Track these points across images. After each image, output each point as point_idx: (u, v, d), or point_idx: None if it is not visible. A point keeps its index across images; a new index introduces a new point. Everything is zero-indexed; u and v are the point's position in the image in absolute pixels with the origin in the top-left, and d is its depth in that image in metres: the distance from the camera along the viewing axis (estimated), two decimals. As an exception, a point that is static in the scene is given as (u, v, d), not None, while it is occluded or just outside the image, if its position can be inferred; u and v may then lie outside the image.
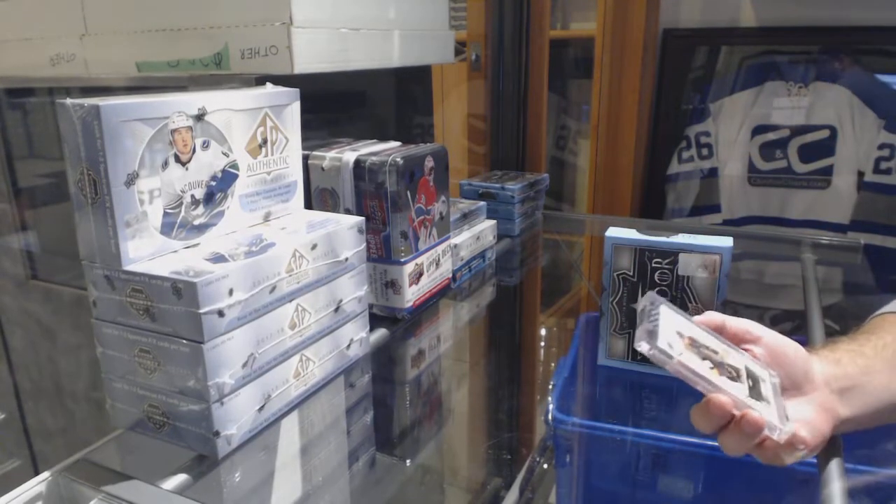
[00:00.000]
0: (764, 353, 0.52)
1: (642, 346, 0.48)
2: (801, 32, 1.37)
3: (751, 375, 0.50)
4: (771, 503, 0.74)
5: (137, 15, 0.75)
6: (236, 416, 0.53)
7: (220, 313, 0.50)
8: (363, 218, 0.67)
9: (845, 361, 0.54)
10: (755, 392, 0.48)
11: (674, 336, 0.50)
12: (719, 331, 0.53)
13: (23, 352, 1.24)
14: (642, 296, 0.75)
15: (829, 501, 0.49)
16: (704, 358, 0.49)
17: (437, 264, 0.84)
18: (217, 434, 0.51)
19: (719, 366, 0.49)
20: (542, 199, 1.28)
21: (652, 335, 0.48)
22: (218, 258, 0.53)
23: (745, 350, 0.53)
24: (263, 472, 0.66)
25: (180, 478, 0.51)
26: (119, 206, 0.50)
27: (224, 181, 0.59)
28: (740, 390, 0.48)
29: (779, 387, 0.50)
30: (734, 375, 0.49)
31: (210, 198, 0.58)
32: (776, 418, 0.47)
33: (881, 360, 0.54)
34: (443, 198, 0.84)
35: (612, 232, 0.76)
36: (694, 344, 0.50)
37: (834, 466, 0.52)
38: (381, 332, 0.76)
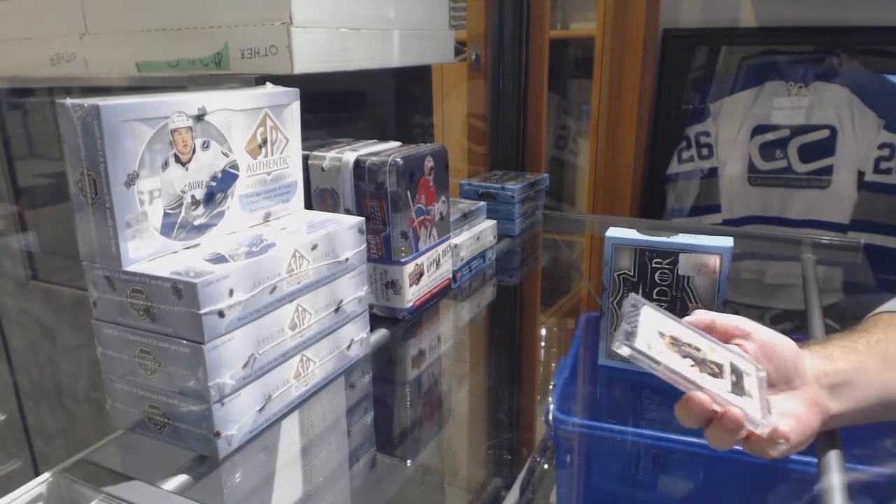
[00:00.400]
0: (755, 347, 0.52)
1: (622, 349, 0.48)
2: (801, 32, 1.37)
3: (735, 371, 0.50)
4: (770, 503, 0.74)
5: (137, 15, 0.75)
6: (237, 417, 0.53)
7: (221, 314, 0.50)
8: (363, 218, 0.67)
9: (837, 356, 0.54)
10: (738, 387, 0.48)
11: (654, 336, 0.50)
12: (709, 329, 0.53)
13: (23, 352, 1.24)
14: (643, 296, 0.75)
15: (829, 498, 0.49)
16: (686, 356, 0.49)
17: (438, 264, 0.84)
18: (217, 435, 0.51)
19: (701, 363, 0.49)
20: (542, 199, 1.28)
21: (630, 336, 0.48)
22: (218, 259, 0.53)
23: (737, 345, 0.53)
24: (264, 473, 0.66)
25: (181, 478, 0.51)
26: (119, 206, 0.49)
27: (224, 181, 0.59)
28: (721, 386, 0.48)
29: (765, 381, 0.50)
30: (716, 372, 0.49)
31: (210, 198, 0.58)
32: (758, 413, 0.47)
33: (873, 356, 0.54)
34: (443, 198, 0.84)
35: (613, 232, 0.76)
36: (676, 343, 0.50)
37: (834, 465, 0.52)
38: (381, 333, 0.76)
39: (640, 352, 0.48)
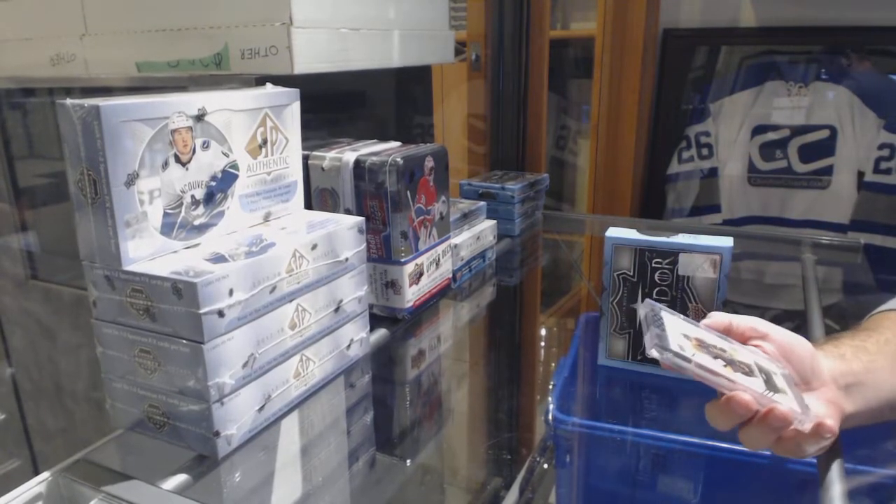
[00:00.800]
0: (773, 348, 0.52)
1: (654, 353, 0.47)
2: (801, 32, 1.37)
3: (762, 370, 0.50)
4: (770, 503, 0.74)
5: (137, 15, 0.75)
6: (236, 417, 0.53)
7: (221, 313, 0.50)
8: (363, 218, 0.67)
9: (849, 357, 0.54)
10: (771, 385, 0.48)
11: (682, 339, 0.49)
12: (726, 331, 0.53)
13: (23, 352, 1.24)
14: (642, 296, 0.75)
15: (829, 499, 0.49)
16: (716, 357, 0.49)
17: (438, 264, 0.84)
18: (217, 434, 0.51)
19: (731, 363, 0.49)
20: (542, 199, 1.28)
21: (662, 339, 0.48)
22: (218, 258, 0.53)
23: (755, 346, 0.52)
24: (263, 473, 0.66)
25: (180, 478, 0.51)
26: (119, 206, 0.50)
27: (224, 181, 0.59)
28: (757, 384, 0.48)
29: (791, 379, 0.50)
30: (748, 371, 0.49)
31: (210, 198, 0.58)
32: (798, 407, 0.47)
33: (883, 356, 0.54)
34: (443, 198, 0.84)
35: (613, 232, 0.76)
36: (702, 345, 0.50)
37: (834, 467, 0.52)
38: (381, 333, 0.76)
39: (676, 354, 0.47)
